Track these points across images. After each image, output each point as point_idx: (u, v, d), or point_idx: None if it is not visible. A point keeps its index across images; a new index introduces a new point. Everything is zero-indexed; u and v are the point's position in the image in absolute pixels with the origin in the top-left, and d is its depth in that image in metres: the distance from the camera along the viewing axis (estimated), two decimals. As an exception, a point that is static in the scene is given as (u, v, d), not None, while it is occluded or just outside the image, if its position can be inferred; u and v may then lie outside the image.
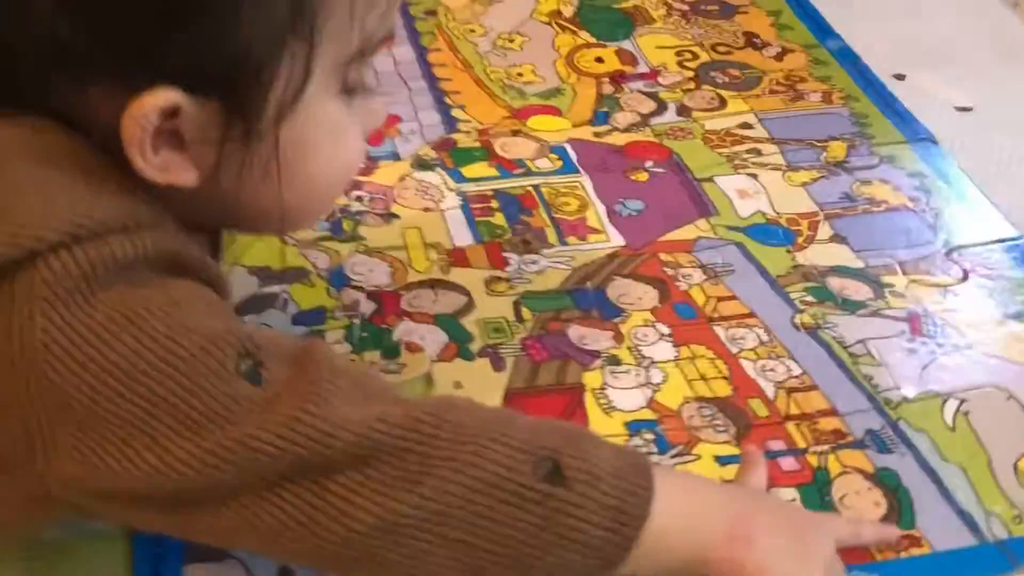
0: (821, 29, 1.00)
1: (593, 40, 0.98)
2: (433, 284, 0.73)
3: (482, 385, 0.66)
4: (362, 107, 0.54)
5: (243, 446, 0.44)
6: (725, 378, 0.68)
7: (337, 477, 0.45)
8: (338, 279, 0.73)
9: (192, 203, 0.50)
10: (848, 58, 0.96)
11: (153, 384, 0.44)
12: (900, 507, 0.60)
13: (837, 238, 0.78)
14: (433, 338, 0.69)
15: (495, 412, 0.55)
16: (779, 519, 0.54)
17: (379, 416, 0.46)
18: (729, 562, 0.50)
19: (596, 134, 0.87)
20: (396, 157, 0.84)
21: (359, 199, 0.79)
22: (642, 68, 0.95)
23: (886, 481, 0.62)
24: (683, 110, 0.90)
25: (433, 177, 0.82)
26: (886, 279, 0.75)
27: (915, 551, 0.58)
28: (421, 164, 0.83)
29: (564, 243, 0.77)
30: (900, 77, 0.95)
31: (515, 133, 0.87)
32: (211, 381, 0.45)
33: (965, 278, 0.75)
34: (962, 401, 0.66)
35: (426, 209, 0.79)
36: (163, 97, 0.46)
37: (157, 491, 0.45)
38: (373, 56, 0.52)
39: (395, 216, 0.78)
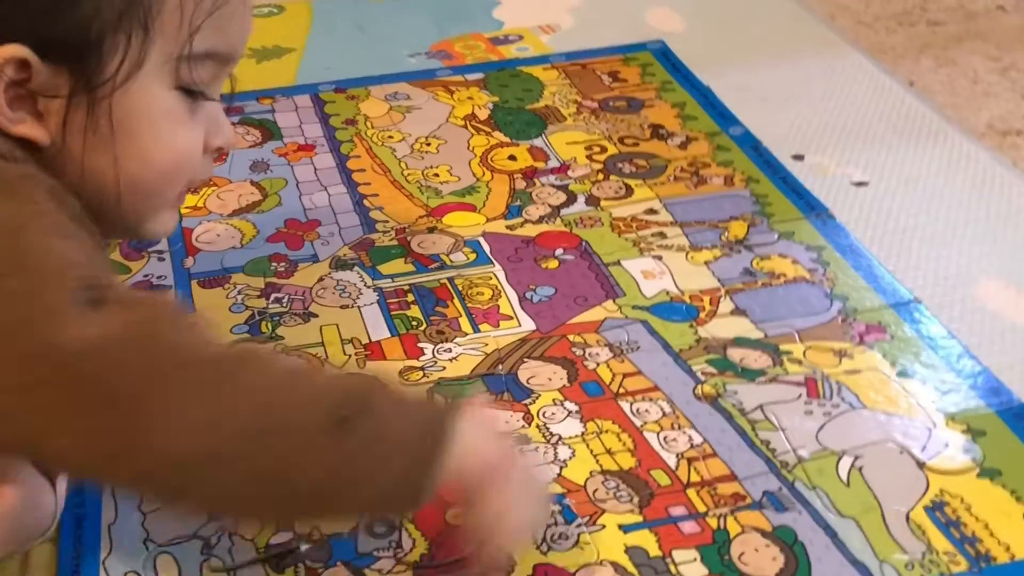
0: (724, 117, 1.06)
1: (507, 140, 1.03)
2: (349, 377, 0.76)
3: (395, 470, 0.69)
4: (208, 117, 0.63)
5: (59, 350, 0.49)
6: (630, 451, 0.70)
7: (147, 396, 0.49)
8: (257, 378, 0.75)
9: (52, 172, 0.58)
10: (749, 143, 1.01)
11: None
12: (797, 561, 0.63)
13: (737, 311, 0.82)
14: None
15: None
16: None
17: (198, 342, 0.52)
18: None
19: (509, 227, 0.91)
20: (315, 259, 0.87)
21: (278, 301, 0.82)
22: (553, 163, 0.99)
23: (783, 538, 0.64)
24: (592, 200, 0.94)
25: (351, 276, 0.85)
26: (784, 347, 0.78)
27: (811, 603, 0.60)
28: (339, 264, 0.86)
29: (477, 330, 0.80)
30: (799, 158, 1.00)
31: (431, 230, 0.91)
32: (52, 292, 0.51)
33: (860, 341, 0.79)
34: (856, 457, 0.69)
35: (343, 307, 0.82)
36: (12, 51, 0.55)
37: None
38: (218, 69, 0.62)
39: (313, 315, 0.81)
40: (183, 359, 0.51)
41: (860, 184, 0.97)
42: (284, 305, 0.82)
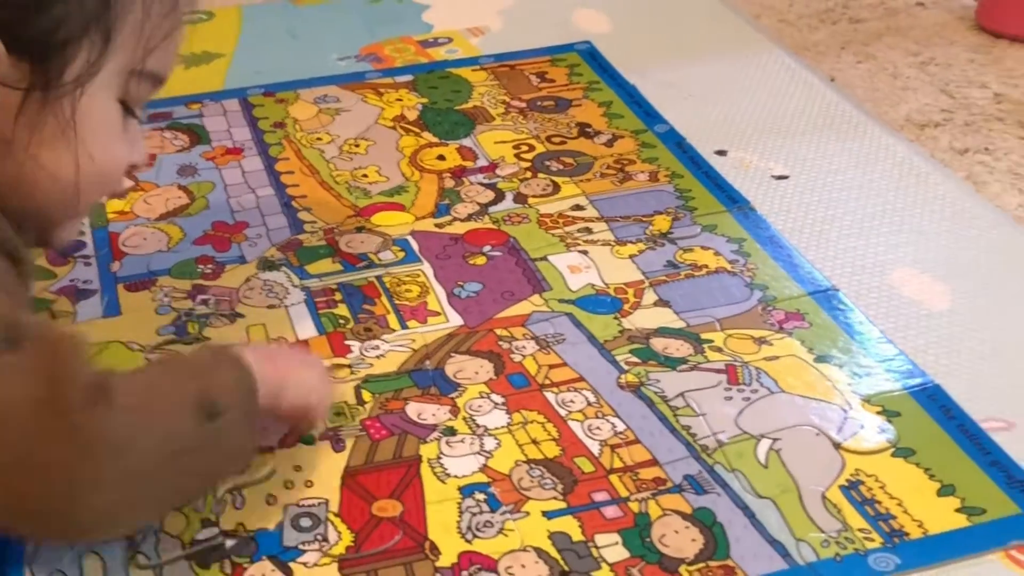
0: (649, 115, 1.07)
1: (436, 140, 1.04)
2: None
3: (321, 466, 0.69)
4: (132, 133, 0.67)
5: None
6: (554, 440, 0.71)
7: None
8: (183, 378, 0.75)
9: None
10: (673, 139, 1.03)
11: None
12: (716, 541, 0.64)
13: (661, 302, 0.83)
14: (275, 427, 0.72)
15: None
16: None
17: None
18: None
19: (438, 225, 0.92)
20: (242, 261, 0.87)
21: (204, 302, 0.82)
22: (482, 162, 1.00)
23: (703, 519, 0.65)
24: (519, 197, 0.96)
25: (278, 276, 0.86)
26: (705, 335, 0.80)
27: (729, 581, 0.62)
28: (266, 265, 0.87)
29: (405, 327, 0.81)
30: (722, 153, 1.02)
31: (359, 230, 0.91)
32: None
33: (779, 329, 0.81)
34: (774, 440, 0.71)
35: (270, 307, 0.83)
36: None
37: None
38: (152, 89, 0.67)
39: (240, 316, 0.82)
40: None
41: (781, 177, 0.99)
42: (210, 306, 0.82)
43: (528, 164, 1.00)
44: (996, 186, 0.99)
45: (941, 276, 0.86)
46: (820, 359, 0.78)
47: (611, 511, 0.66)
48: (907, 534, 0.65)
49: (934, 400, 0.74)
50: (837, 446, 0.71)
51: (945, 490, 0.68)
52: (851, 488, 0.68)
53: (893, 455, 0.70)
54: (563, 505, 0.67)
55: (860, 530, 0.65)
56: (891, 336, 0.80)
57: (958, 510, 0.66)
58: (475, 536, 0.65)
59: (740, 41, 1.23)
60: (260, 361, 0.63)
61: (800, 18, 1.30)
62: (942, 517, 0.66)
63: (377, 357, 0.78)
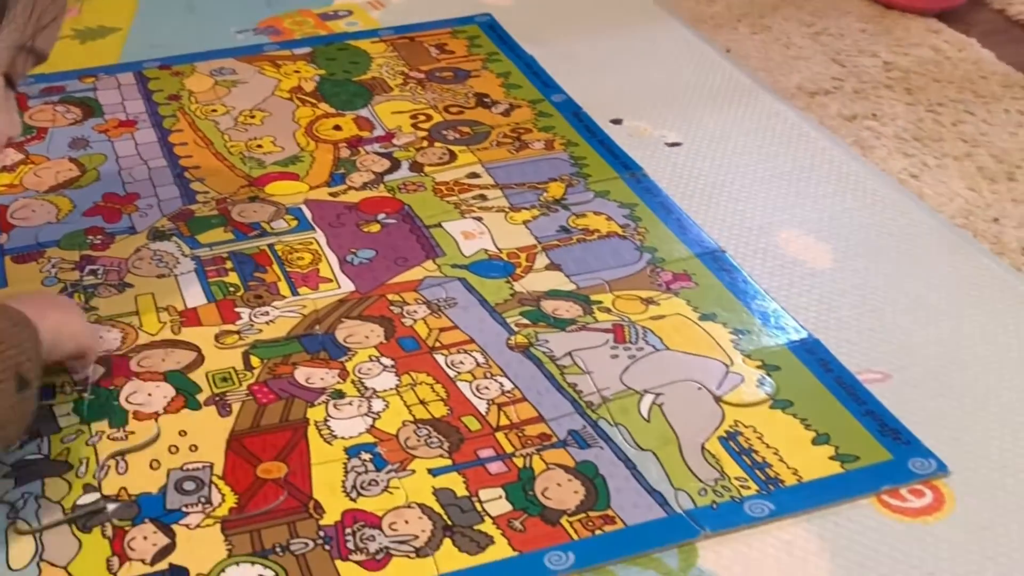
0: (547, 86, 1.08)
1: (332, 111, 1.04)
2: (163, 344, 0.76)
3: (207, 431, 0.69)
4: (11, 105, 0.67)
5: None
6: (442, 400, 0.72)
7: None
8: (67, 349, 0.75)
9: None
10: (570, 109, 1.04)
11: None
12: (597, 492, 0.65)
13: (552, 266, 0.84)
14: (160, 393, 0.71)
15: None
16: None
17: None
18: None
19: (332, 194, 0.92)
20: (133, 231, 0.87)
21: (92, 273, 0.82)
22: (378, 132, 1.01)
23: (585, 472, 0.67)
24: (415, 166, 0.96)
25: (169, 246, 0.85)
26: (595, 297, 0.81)
27: (609, 528, 0.63)
28: (157, 235, 0.86)
29: (296, 294, 0.81)
30: (617, 122, 1.03)
31: (252, 200, 0.91)
32: None
33: (667, 289, 0.82)
34: (657, 395, 0.73)
35: (160, 276, 0.82)
36: None
37: None
38: (33, 66, 0.67)
39: (128, 285, 0.81)
40: None
41: (674, 144, 1.01)
42: (99, 277, 0.81)
43: (425, 134, 1.00)
44: (882, 151, 1.02)
45: (824, 237, 0.89)
46: (705, 317, 0.79)
47: (496, 467, 0.67)
48: (782, 481, 0.67)
49: (813, 354, 0.76)
50: (718, 400, 0.72)
51: (820, 439, 0.70)
52: (729, 439, 0.69)
53: (771, 407, 0.72)
54: (449, 462, 0.67)
55: (737, 479, 0.67)
56: (774, 294, 0.82)
57: (832, 457, 0.68)
58: (360, 495, 0.65)
59: (639, 14, 1.24)
60: (37, 319, 0.64)
61: (699, -9, 1.31)
62: (817, 465, 0.68)
63: (267, 323, 0.78)
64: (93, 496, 0.64)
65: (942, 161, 1.00)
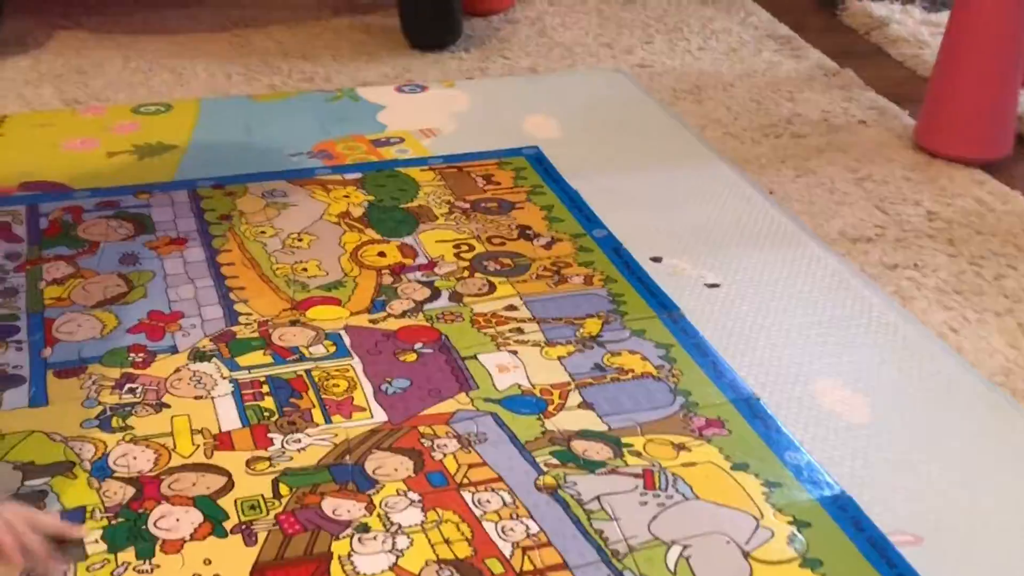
0: (588, 220, 1.10)
1: (378, 237, 1.06)
2: (196, 468, 0.76)
3: (231, 560, 0.69)
4: None
5: None
6: (467, 540, 0.72)
7: None
8: (100, 470, 0.76)
9: None
10: (611, 245, 1.06)
11: None
12: (618, 648, 0.64)
13: (585, 404, 0.84)
14: (188, 519, 0.72)
15: None
16: None
17: None
18: None
19: (372, 321, 0.93)
20: (174, 351, 0.88)
21: (131, 391, 0.83)
22: (421, 260, 1.02)
23: (607, 625, 0.66)
24: (455, 296, 0.97)
25: (208, 367, 0.86)
26: (626, 439, 0.81)
27: None
28: (198, 356, 0.88)
29: (329, 421, 0.81)
30: (657, 260, 1.04)
31: (293, 323, 0.92)
32: None
33: (699, 435, 0.82)
34: (685, 547, 0.72)
35: (197, 397, 0.83)
36: None
37: None
38: None
39: (166, 406, 0.82)
40: None
41: (713, 286, 1.01)
42: (137, 396, 0.83)
43: (467, 263, 1.02)
44: (923, 302, 1.02)
45: (861, 388, 0.88)
46: (737, 467, 0.79)
47: (517, 614, 0.66)
48: (810, 646, 0.65)
49: (845, 511, 0.75)
50: (746, 555, 0.71)
51: (850, 602, 0.68)
52: (757, 598, 0.68)
53: (801, 565, 0.71)
54: (469, 606, 0.67)
55: (763, 640, 0.65)
56: (808, 446, 0.81)
57: (861, 623, 0.67)
58: (378, 636, 0.65)
59: (684, 151, 1.26)
60: None
61: (744, 131, 1.33)
62: (846, 629, 0.67)
63: (298, 451, 0.79)
64: (112, 623, 0.64)
65: (982, 316, 0.99)
